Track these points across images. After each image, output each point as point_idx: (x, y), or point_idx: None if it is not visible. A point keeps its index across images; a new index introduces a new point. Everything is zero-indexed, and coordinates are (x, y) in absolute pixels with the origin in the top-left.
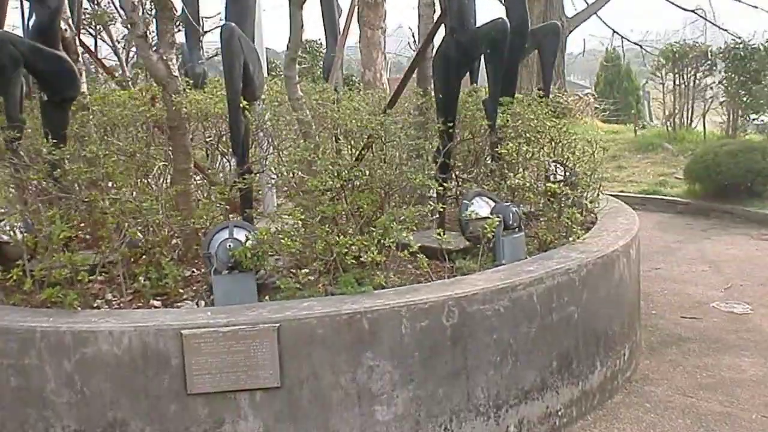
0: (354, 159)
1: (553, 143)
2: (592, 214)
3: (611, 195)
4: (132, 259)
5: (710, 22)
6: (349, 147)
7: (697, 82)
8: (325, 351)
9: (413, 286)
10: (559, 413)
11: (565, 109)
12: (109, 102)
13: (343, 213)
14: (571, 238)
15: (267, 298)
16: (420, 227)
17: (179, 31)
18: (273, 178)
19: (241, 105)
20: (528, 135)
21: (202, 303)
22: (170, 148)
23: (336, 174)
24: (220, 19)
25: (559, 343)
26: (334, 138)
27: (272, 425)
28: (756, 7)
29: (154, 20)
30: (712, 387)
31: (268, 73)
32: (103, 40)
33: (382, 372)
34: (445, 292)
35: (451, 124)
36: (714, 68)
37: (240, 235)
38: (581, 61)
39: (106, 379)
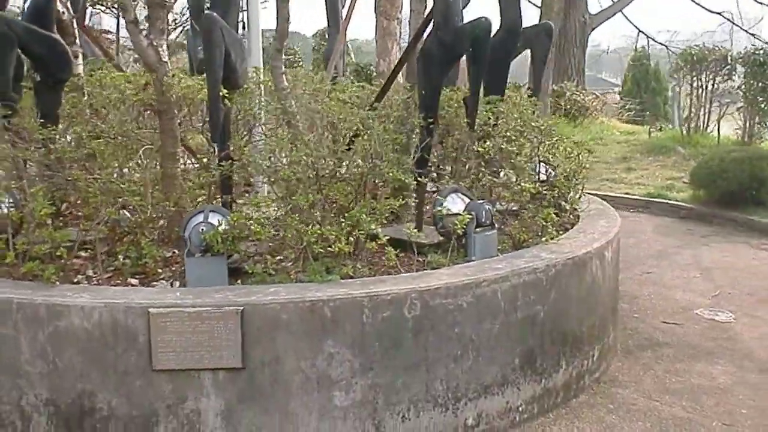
0: (339, 151)
1: (534, 143)
2: (572, 216)
3: (617, 196)
4: (116, 238)
5: (737, 25)
6: (332, 140)
7: (715, 86)
8: (288, 336)
9: (379, 278)
10: (520, 409)
11: (581, 107)
12: (102, 84)
13: (316, 203)
14: (544, 239)
15: (239, 282)
16: (402, 221)
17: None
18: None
19: (220, 94)
20: (509, 134)
21: (177, 283)
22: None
23: (309, 165)
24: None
25: (522, 341)
26: (323, 129)
27: (234, 404)
28: None
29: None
30: (678, 392)
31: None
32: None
33: (342, 359)
34: (409, 285)
35: (432, 120)
36: (734, 73)
37: (214, 219)
38: (614, 58)
39: (77, 352)
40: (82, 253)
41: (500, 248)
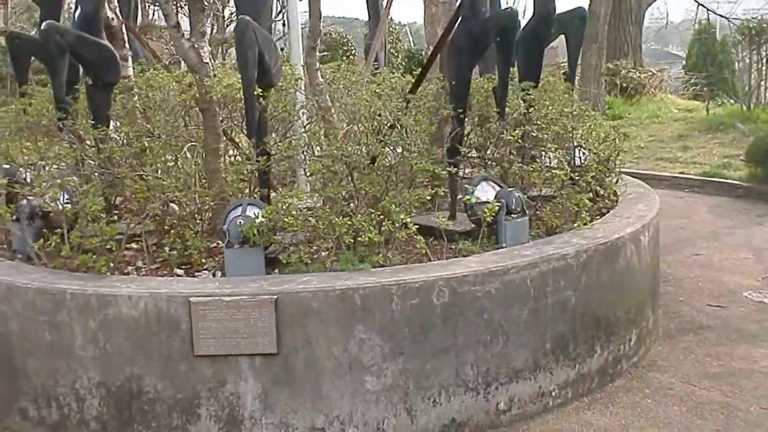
0: (371, 144)
1: (567, 128)
2: (609, 200)
3: (672, 176)
4: (164, 231)
5: None
6: (365, 133)
7: None
8: (319, 323)
9: (408, 266)
10: (553, 393)
11: (638, 85)
12: (150, 86)
13: (349, 195)
14: (576, 224)
15: (276, 271)
16: (439, 209)
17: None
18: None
19: (255, 93)
20: (539, 122)
21: (219, 273)
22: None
23: (340, 157)
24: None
25: (553, 326)
26: (357, 123)
27: (270, 387)
28: None
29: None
30: (718, 376)
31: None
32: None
33: (372, 345)
34: (437, 273)
35: (462, 111)
36: None
37: (252, 212)
38: (681, 30)
39: (125, 339)
40: (133, 246)
41: (533, 234)
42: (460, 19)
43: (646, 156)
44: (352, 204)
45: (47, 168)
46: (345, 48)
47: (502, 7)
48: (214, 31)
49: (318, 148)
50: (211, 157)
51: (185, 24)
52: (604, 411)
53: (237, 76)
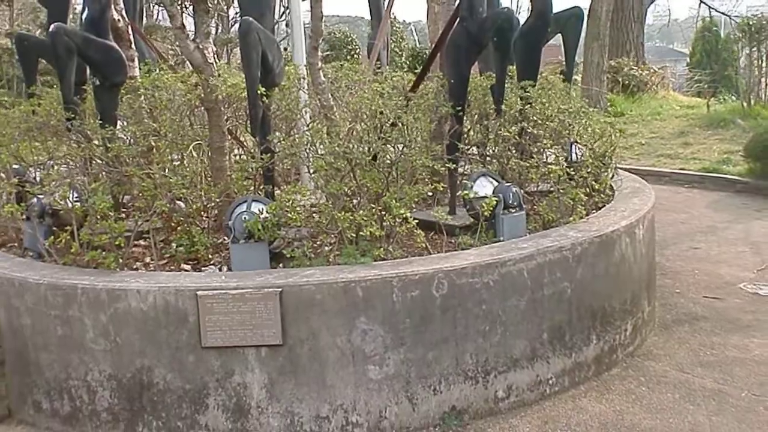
0: (371, 141)
1: (564, 125)
2: (605, 195)
3: (672, 171)
4: (171, 227)
5: None
6: (366, 130)
7: None
8: (323, 315)
9: (408, 259)
10: (550, 381)
11: (640, 82)
12: (156, 86)
13: (351, 191)
14: (572, 218)
15: (281, 265)
16: (440, 204)
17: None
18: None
19: (259, 92)
20: (535, 118)
21: (225, 268)
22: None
23: (341, 155)
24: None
25: (550, 317)
26: (359, 121)
27: (276, 377)
28: None
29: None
30: (711, 364)
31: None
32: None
33: (375, 335)
34: (436, 266)
35: (461, 108)
36: None
37: (256, 208)
38: (684, 28)
39: (135, 331)
40: (142, 242)
41: (530, 228)
42: (458, 18)
43: (647, 152)
44: (354, 200)
45: (56, 167)
46: (349, 47)
47: (500, 6)
48: (219, 31)
49: (321, 145)
50: (217, 155)
51: (190, 25)
52: (600, 398)
53: (241, 76)
